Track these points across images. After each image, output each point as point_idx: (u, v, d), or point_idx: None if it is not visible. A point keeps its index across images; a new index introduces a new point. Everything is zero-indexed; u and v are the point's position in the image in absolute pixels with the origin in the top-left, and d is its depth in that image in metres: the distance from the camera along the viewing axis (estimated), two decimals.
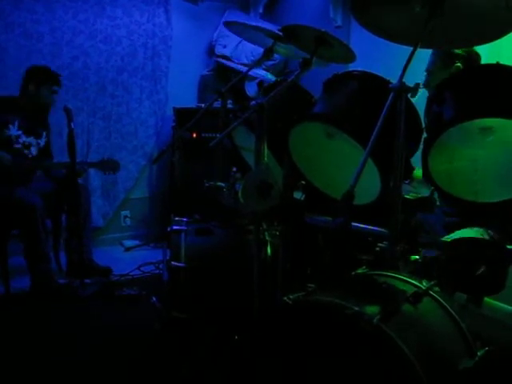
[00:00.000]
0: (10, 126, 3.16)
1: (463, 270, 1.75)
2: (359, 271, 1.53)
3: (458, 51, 2.21)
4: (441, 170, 1.45)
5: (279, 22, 4.29)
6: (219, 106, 2.51)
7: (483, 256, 1.54)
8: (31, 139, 3.26)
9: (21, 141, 3.20)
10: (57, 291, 3.06)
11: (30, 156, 3.25)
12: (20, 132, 3.20)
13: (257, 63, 2.62)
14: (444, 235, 1.53)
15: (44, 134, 3.38)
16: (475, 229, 1.89)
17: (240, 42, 4.26)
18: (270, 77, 4.18)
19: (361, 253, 1.57)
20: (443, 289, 1.45)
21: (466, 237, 1.61)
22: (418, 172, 1.59)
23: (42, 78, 3.22)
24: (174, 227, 2.18)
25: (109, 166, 3.37)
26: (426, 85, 2.27)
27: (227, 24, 2.25)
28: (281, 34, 2.03)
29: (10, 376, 2.18)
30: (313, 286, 1.38)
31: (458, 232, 1.83)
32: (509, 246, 1.40)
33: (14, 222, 3.05)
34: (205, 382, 1.99)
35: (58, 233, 3.52)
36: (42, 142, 3.36)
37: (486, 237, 1.88)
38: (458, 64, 2.20)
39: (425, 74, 2.31)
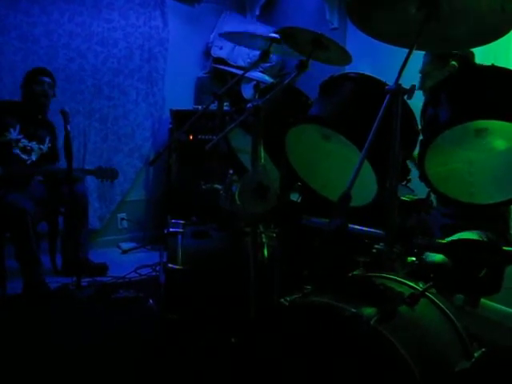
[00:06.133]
0: (11, 130, 3.16)
1: (461, 272, 1.76)
2: (356, 273, 1.53)
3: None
4: (437, 171, 1.45)
5: (276, 23, 4.30)
6: (216, 108, 2.52)
7: (480, 258, 1.54)
8: (33, 144, 3.25)
9: (21, 145, 3.18)
10: (48, 294, 3.03)
11: (28, 162, 3.23)
12: (21, 136, 3.19)
13: (253, 65, 2.62)
14: (440, 237, 1.53)
15: (48, 138, 3.35)
16: (473, 232, 1.90)
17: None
18: (267, 79, 4.18)
19: (357, 254, 1.57)
20: (441, 291, 1.45)
21: (463, 239, 1.61)
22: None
23: (33, 76, 3.23)
24: (171, 229, 2.18)
25: (106, 174, 3.32)
26: (421, 87, 2.28)
27: (223, 35, 2.24)
28: (277, 37, 2.03)
29: (8, 377, 2.18)
30: (310, 287, 1.38)
31: (456, 235, 1.84)
32: (505, 248, 1.40)
33: (5, 225, 3.03)
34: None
35: (54, 235, 3.52)
36: (45, 147, 3.33)
37: (484, 239, 1.90)
38: (454, 62, 2.20)
39: (419, 76, 2.31)
